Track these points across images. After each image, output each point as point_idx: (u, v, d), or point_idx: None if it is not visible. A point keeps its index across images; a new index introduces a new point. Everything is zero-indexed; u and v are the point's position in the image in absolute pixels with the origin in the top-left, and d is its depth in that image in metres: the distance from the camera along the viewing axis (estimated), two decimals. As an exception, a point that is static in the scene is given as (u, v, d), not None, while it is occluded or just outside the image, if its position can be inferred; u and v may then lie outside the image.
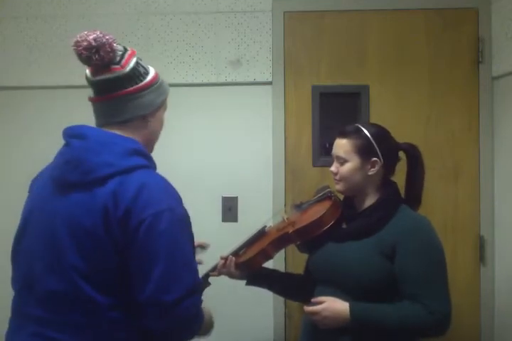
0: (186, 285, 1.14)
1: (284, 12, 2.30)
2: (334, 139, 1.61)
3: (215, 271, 1.73)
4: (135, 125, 1.28)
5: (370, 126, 1.59)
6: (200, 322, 1.23)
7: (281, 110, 2.29)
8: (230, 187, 2.31)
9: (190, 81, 2.33)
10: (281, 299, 2.24)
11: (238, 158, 2.31)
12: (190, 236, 1.23)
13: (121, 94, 1.24)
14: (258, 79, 2.31)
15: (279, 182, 2.28)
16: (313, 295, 1.65)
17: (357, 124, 1.60)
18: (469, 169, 2.24)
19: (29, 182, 1.38)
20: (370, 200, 1.58)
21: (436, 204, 2.19)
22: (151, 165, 1.27)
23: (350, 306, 1.44)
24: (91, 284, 1.14)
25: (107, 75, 1.23)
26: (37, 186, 1.31)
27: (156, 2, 2.35)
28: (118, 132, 1.25)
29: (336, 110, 2.31)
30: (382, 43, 2.28)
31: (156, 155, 2.33)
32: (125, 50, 1.28)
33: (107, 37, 1.23)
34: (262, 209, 2.23)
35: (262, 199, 2.28)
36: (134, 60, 1.27)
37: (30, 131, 2.38)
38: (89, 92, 1.31)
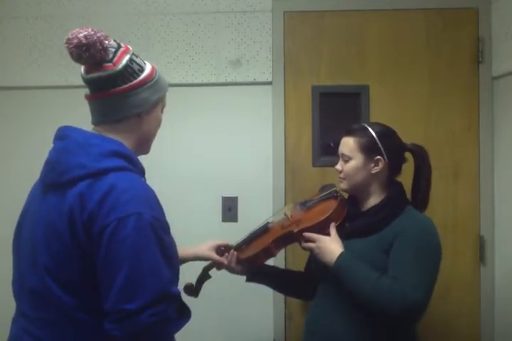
0: (150, 294, 1.09)
1: (284, 12, 2.30)
2: (339, 138, 1.63)
3: (216, 264, 1.72)
4: (130, 123, 1.26)
5: (376, 125, 1.61)
6: (168, 335, 1.19)
7: (281, 110, 2.29)
8: (230, 187, 2.30)
9: (190, 81, 2.33)
10: (281, 299, 2.24)
11: (238, 158, 2.31)
12: (162, 242, 1.15)
13: (114, 92, 1.22)
14: (258, 79, 2.31)
15: (279, 182, 2.28)
16: (313, 293, 1.66)
17: (364, 123, 1.62)
18: (469, 169, 2.24)
19: (28, 183, 1.39)
20: (374, 200, 1.59)
21: (436, 204, 2.18)
22: (131, 167, 1.22)
23: (340, 254, 1.48)
24: (58, 284, 1.15)
25: (99, 73, 1.22)
26: (32, 188, 1.34)
27: (156, 2, 2.35)
28: (111, 131, 1.24)
29: (336, 110, 2.31)
30: (382, 43, 2.28)
31: (156, 155, 2.33)
32: (119, 47, 1.25)
33: (98, 34, 1.20)
34: (262, 209, 2.22)
35: (262, 199, 2.28)
36: (126, 58, 1.24)
37: (30, 131, 2.38)
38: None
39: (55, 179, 1.19)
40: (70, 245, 1.14)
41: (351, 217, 1.62)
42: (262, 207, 2.25)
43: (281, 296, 2.20)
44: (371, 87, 2.27)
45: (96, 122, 1.27)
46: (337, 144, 1.65)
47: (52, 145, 1.27)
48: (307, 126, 2.29)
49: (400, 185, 1.61)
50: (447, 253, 2.17)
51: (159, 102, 1.31)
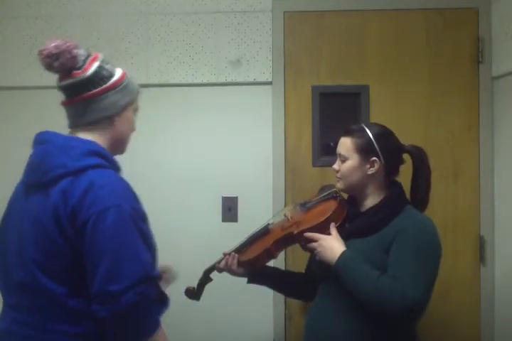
0: (132, 277, 1.19)
1: (284, 12, 2.30)
2: (339, 138, 1.63)
3: (217, 267, 1.73)
4: (102, 126, 1.36)
5: (373, 126, 1.61)
6: (151, 316, 1.26)
7: (281, 110, 2.29)
8: (230, 187, 2.30)
9: (190, 81, 2.33)
10: (281, 300, 2.24)
11: (238, 158, 2.31)
12: (141, 231, 1.26)
13: (86, 97, 1.32)
14: (258, 79, 2.31)
15: (279, 182, 2.28)
16: (313, 293, 1.66)
17: (362, 124, 1.63)
18: (469, 169, 2.24)
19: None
20: (373, 200, 1.59)
21: (436, 204, 2.18)
22: (108, 165, 1.32)
23: (341, 253, 1.48)
24: (47, 275, 1.24)
25: (70, 80, 1.32)
26: (15, 189, 1.42)
27: (156, 2, 2.35)
28: (86, 133, 1.35)
29: (336, 110, 2.31)
30: (382, 43, 2.28)
31: (156, 155, 2.35)
32: (88, 55, 1.35)
33: (68, 44, 1.31)
34: (262, 209, 2.22)
35: (262, 199, 2.28)
36: (95, 65, 1.34)
37: (30, 131, 2.37)
38: None
39: (38, 179, 1.29)
40: (58, 239, 1.23)
41: (351, 217, 1.62)
42: (262, 207, 2.25)
43: (281, 297, 2.20)
44: (371, 87, 2.27)
45: (72, 125, 1.38)
46: (337, 144, 1.65)
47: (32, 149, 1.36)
48: (307, 126, 2.29)
49: (399, 185, 1.62)
50: (447, 253, 2.17)
51: (129, 105, 1.41)
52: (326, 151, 2.27)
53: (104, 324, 1.21)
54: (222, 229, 2.29)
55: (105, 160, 1.32)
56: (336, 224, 1.58)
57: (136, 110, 1.45)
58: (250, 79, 2.32)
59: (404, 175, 1.65)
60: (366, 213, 1.59)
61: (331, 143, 2.22)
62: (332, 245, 1.52)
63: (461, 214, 2.24)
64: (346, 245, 1.53)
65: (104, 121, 1.36)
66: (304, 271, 1.83)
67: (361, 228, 1.56)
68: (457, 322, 2.23)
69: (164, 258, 2.30)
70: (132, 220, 1.24)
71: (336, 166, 1.62)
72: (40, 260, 1.25)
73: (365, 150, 1.56)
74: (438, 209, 2.19)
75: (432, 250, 1.49)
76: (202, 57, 2.33)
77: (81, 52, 1.33)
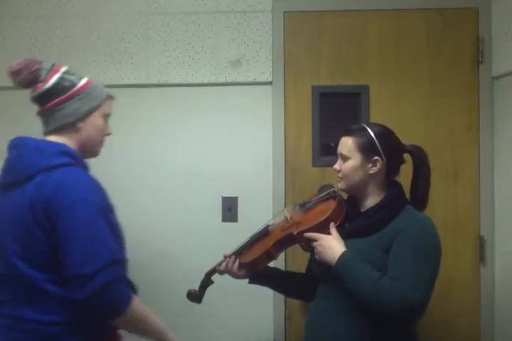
0: (102, 260, 1.31)
1: (284, 12, 2.30)
2: (339, 138, 1.63)
3: (218, 269, 1.73)
4: (67, 131, 1.49)
5: (375, 126, 1.61)
6: (123, 293, 1.36)
7: (281, 110, 2.29)
8: (230, 187, 2.30)
9: (190, 81, 2.33)
10: (281, 300, 2.24)
11: (238, 158, 2.31)
12: (107, 219, 1.39)
13: (50, 106, 1.47)
14: (258, 79, 2.31)
15: (279, 182, 2.28)
16: (314, 294, 1.66)
17: (363, 124, 1.63)
18: (469, 169, 2.24)
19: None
20: (373, 200, 1.59)
21: (436, 204, 2.18)
22: (76, 163, 1.45)
23: (341, 253, 1.48)
24: (27, 263, 1.36)
25: (35, 93, 1.49)
26: None
27: (156, 2, 2.35)
28: (55, 137, 1.48)
29: (336, 110, 2.31)
30: (382, 43, 2.28)
31: (156, 155, 2.35)
32: (51, 68, 1.49)
33: (27, 62, 1.47)
34: (262, 209, 2.23)
35: (262, 199, 2.28)
36: (55, 77, 1.48)
37: (31, 131, 2.37)
38: None
39: (15, 178, 1.42)
40: (35, 231, 1.35)
41: (351, 217, 1.62)
42: (262, 207, 2.25)
43: (281, 296, 2.20)
44: (371, 87, 2.27)
45: (44, 132, 1.53)
46: (337, 144, 1.65)
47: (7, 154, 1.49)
48: (307, 126, 2.29)
49: (399, 185, 1.62)
50: (447, 253, 2.16)
51: (94, 111, 1.51)
52: (326, 151, 2.27)
53: (82, 306, 1.32)
54: (222, 229, 2.29)
55: (74, 159, 1.45)
56: (335, 224, 1.58)
57: (106, 115, 1.55)
58: (250, 79, 2.32)
59: (404, 175, 1.65)
60: (366, 213, 1.59)
61: (332, 144, 2.22)
62: (332, 245, 1.52)
63: (461, 214, 2.24)
64: (346, 245, 1.53)
65: (68, 127, 1.48)
66: (304, 271, 1.83)
67: (361, 228, 1.56)
68: (457, 322, 2.23)
69: (164, 258, 2.31)
70: (100, 211, 1.37)
71: (337, 166, 1.62)
72: (20, 251, 1.37)
73: (367, 150, 1.56)
74: (438, 209, 2.19)
75: (432, 250, 1.50)
76: (202, 57, 2.33)
77: (43, 67, 1.48)
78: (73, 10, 2.37)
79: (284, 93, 2.29)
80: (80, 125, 1.49)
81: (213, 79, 2.33)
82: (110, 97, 1.58)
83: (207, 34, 2.33)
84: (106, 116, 1.56)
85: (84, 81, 1.51)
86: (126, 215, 2.29)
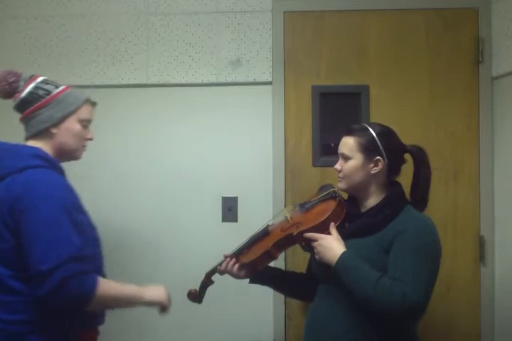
0: (59, 257, 1.35)
1: (284, 12, 2.30)
2: (340, 139, 1.63)
3: (219, 269, 1.73)
4: (43, 137, 1.56)
5: (376, 126, 1.61)
6: (85, 285, 1.39)
7: (281, 110, 2.29)
8: (230, 187, 2.30)
9: (190, 81, 2.33)
10: (281, 300, 2.24)
11: (238, 158, 2.31)
12: (73, 219, 1.43)
13: (26, 114, 1.57)
14: (258, 79, 2.31)
15: (279, 182, 2.28)
16: (314, 294, 1.66)
17: (364, 124, 1.63)
18: (469, 169, 2.24)
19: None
20: (373, 200, 1.59)
21: (436, 204, 2.18)
22: (49, 166, 1.50)
23: (341, 254, 1.48)
24: None
25: (15, 102, 1.59)
26: None
27: (156, 2, 2.35)
28: (33, 143, 1.56)
29: (335, 110, 2.31)
30: (383, 43, 2.28)
31: (156, 155, 2.35)
32: (29, 78, 1.58)
33: (5, 73, 1.57)
34: (262, 209, 2.23)
35: (262, 199, 2.28)
36: (30, 86, 1.56)
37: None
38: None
39: None
40: (1, 230, 1.41)
41: (351, 217, 1.61)
42: (262, 207, 2.25)
43: (281, 296, 2.20)
44: (371, 87, 2.27)
45: (24, 138, 1.61)
46: (337, 144, 1.64)
47: None
48: (307, 126, 2.29)
49: (399, 186, 1.62)
50: (447, 253, 2.17)
51: (67, 117, 1.57)
52: (326, 151, 2.27)
53: (45, 302, 1.37)
54: (222, 229, 2.29)
55: (46, 162, 1.50)
56: (335, 224, 1.58)
57: (84, 120, 1.60)
58: (250, 79, 2.32)
59: (404, 175, 1.65)
60: (366, 213, 1.59)
61: (332, 144, 2.22)
62: (332, 245, 1.51)
63: (461, 214, 2.24)
64: (346, 245, 1.53)
65: (43, 134, 1.56)
66: (304, 271, 1.83)
67: (361, 228, 1.56)
68: (457, 322, 2.23)
69: (164, 258, 2.31)
70: (64, 209, 1.41)
71: (338, 166, 1.62)
72: None
73: (368, 150, 1.56)
74: (438, 210, 2.19)
75: (432, 250, 1.50)
76: (202, 57, 2.33)
77: (22, 78, 1.58)
78: (73, 10, 2.37)
79: (284, 93, 2.29)
80: (55, 131, 1.56)
81: (213, 79, 2.33)
82: (88, 103, 1.63)
83: (207, 34, 2.33)
84: (84, 122, 1.61)
85: (59, 89, 1.59)
86: (126, 215, 2.31)
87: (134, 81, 2.35)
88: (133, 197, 2.32)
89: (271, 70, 2.30)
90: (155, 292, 1.57)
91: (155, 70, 2.34)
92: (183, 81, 2.34)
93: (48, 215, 1.39)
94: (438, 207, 2.19)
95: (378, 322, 1.47)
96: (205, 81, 2.33)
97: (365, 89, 2.27)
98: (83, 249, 1.42)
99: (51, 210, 1.40)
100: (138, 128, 2.35)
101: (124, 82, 2.35)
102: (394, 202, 1.57)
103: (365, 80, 2.28)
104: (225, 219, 2.31)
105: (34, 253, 1.37)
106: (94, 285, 1.39)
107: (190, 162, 2.33)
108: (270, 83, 2.31)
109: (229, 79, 2.32)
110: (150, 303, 1.56)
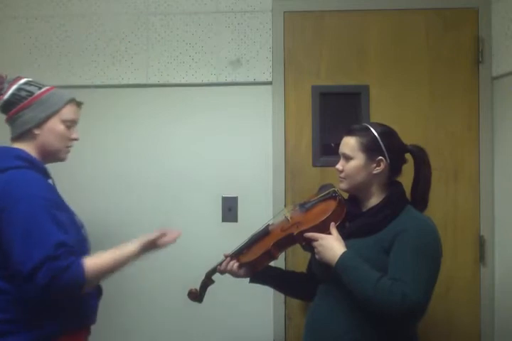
0: (39, 257, 1.35)
1: (284, 12, 2.30)
2: (340, 138, 1.63)
3: (219, 269, 1.73)
4: (26, 138, 1.57)
5: (377, 126, 1.61)
6: (72, 280, 1.39)
7: (281, 110, 2.29)
8: (230, 187, 2.30)
9: (190, 81, 2.33)
10: (281, 299, 2.24)
11: (238, 158, 2.31)
12: (53, 217, 1.43)
13: (10, 115, 1.58)
14: (258, 79, 2.31)
15: (279, 182, 2.28)
16: (314, 293, 1.66)
17: (365, 123, 1.62)
18: (469, 169, 2.24)
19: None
20: (374, 200, 1.59)
21: (436, 204, 2.18)
22: (31, 167, 1.52)
23: (342, 254, 1.48)
24: None
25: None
26: None
27: (156, 2, 2.35)
28: (18, 144, 1.58)
29: (336, 110, 2.31)
30: (383, 43, 2.28)
31: (156, 155, 2.34)
32: (13, 80, 1.60)
33: None
34: (262, 209, 2.22)
35: (262, 199, 2.28)
36: (13, 88, 1.57)
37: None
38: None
39: None
40: None
41: (351, 217, 1.61)
42: (262, 207, 2.25)
43: (281, 296, 2.20)
44: (371, 87, 2.27)
45: (10, 138, 1.62)
46: (338, 144, 1.64)
47: None
48: (307, 126, 2.29)
49: (399, 185, 1.62)
50: (447, 253, 2.16)
51: (50, 118, 1.57)
52: (326, 151, 2.27)
53: (37, 299, 1.39)
54: (222, 229, 2.29)
55: (28, 163, 1.52)
56: (335, 223, 1.58)
57: (67, 121, 1.60)
58: (250, 79, 2.32)
59: (404, 175, 1.65)
60: (366, 213, 1.59)
61: (332, 144, 2.22)
62: (332, 245, 1.51)
63: (461, 214, 2.24)
64: (346, 245, 1.52)
65: (27, 134, 1.57)
66: (304, 271, 1.83)
67: (362, 228, 1.56)
68: (457, 322, 2.23)
69: (164, 258, 2.31)
70: (44, 208, 1.42)
71: (339, 166, 1.61)
72: None
73: (370, 150, 1.55)
74: (438, 210, 2.18)
75: (433, 250, 1.50)
76: (202, 57, 2.33)
77: (6, 80, 1.59)
78: (73, 10, 2.37)
79: (284, 93, 2.29)
80: (38, 131, 1.56)
81: (213, 79, 2.33)
82: (72, 103, 1.62)
83: (207, 34, 2.33)
84: (67, 122, 1.60)
85: (42, 90, 1.59)
86: (126, 215, 2.31)
87: (134, 81, 2.35)
88: (133, 196, 2.32)
89: (271, 70, 2.30)
90: (136, 241, 1.57)
91: (155, 70, 2.34)
92: (183, 81, 2.34)
93: (26, 214, 1.40)
94: (438, 207, 2.19)
95: (378, 322, 1.47)
96: (205, 81, 2.33)
97: (365, 89, 2.27)
98: (65, 241, 1.41)
99: (29, 209, 1.40)
100: (138, 128, 2.35)
101: (124, 82, 2.35)
102: (394, 202, 1.57)
103: (365, 80, 2.28)
104: (225, 219, 2.31)
105: (14, 253, 1.38)
106: (81, 273, 1.39)
107: (190, 162, 2.33)
108: (270, 83, 2.31)
109: (229, 79, 2.32)
110: (141, 251, 1.57)
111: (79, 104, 1.65)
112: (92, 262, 1.44)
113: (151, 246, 1.60)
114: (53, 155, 1.61)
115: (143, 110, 2.35)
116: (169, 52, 2.34)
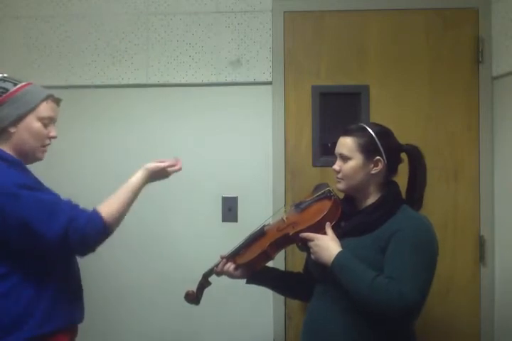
0: (62, 223, 1.39)
1: (284, 12, 2.30)
2: (336, 138, 1.62)
3: (215, 271, 1.73)
4: (3, 136, 1.52)
5: (374, 125, 1.61)
6: (95, 230, 1.44)
7: (281, 110, 2.30)
8: (230, 187, 2.30)
9: (190, 81, 2.33)
10: (281, 299, 2.24)
11: (238, 158, 2.31)
12: (47, 190, 1.50)
13: None
14: (258, 79, 2.31)
15: (279, 182, 2.28)
16: (311, 294, 1.66)
17: (361, 123, 1.62)
18: (469, 169, 2.24)
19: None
20: (372, 200, 1.59)
21: (436, 204, 2.19)
22: (8, 165, 1.48)
23: (337, 253, 1.48)
24: None
25: None
26: None
27: (156, 2, 2.35)
28: None
29: (336, 110, 2.31)
30: (382, 43, 2.28)
31: (155, 155, 2.34)
32: None
33: None
34: (262, 209, 2.22)
35: (262, 199, 2.28)
36: None
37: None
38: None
39: None
40: None
41: (347, 216, 1.61)
42: (262, 207, 2.25)
43: (281, 296, 2.20)
44: (371, 87, 2.27)
45: None
46: (334, 143, 1.64)
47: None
48: (307, 126, 2.29)
49: (395, 185, 1.61)
50: (447, 253, 2.17)
51: (26, 116, 1.51)
52: (326, 151, 2.27)
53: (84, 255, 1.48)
54: (222, 229, 2.29)
55: (3, 161, 1.47)
56: (331, 223, 1.58)
57: (44, 118, 1.54)
58: (250, 79, 2.32)
59: (399, 175, 1.64)
60: (362, 212, 1.58)
61: (328, 144, 2.21)
62: (328, 245, 1.51)
63: (461, 214, 2.24)
64: (342, 244, 1.52)
65: (3, 133, 1.51)
66: (302, 271, 1.82)
67: (357, 227, 1.56)
68: (457, 322, 2.23)
69: (164, 258, 2.31)
70: (32, 187, 1.44)
71: (336, 167, 1.61)
72: None
73: (368, 150, 1.55)
74: (438, 209, 2.19)
75: (429, 249, 1.49)
76: (202, 57, 2.33)
77: None
78: (73, 10, 2.37)
79: (284, 93, 2.29)
80: (13, 130, 1.51)
81: (213, 79, 2.33)
82: (50, 100, 1.56)
83: (207, 34, 2.33)
84: (45, 120, 1.55)
85: (17, 86, 1.52)
86: (126, 215, 2.31)
87: (134, 81, 2.35)
88: (133, 197, 2.32)
89: (271, 70, 2.30)
90: (139, 170, 1.65)
91: (155, 70, 2.34)
92: (183, 81, 2.34)
93: (29, 198, 1.40)
94: (438, 207, 2.19)
95: (375, 322, 1.47)
96: (205, 81, 2.33)
97: (365, 89, 2.27)
98: (71, 201, 1.47)
99: (28, 193, 1.41)
100: (138, 128, 2.35)
101: (124, 82, 2.35)
102: (390, 201, 1.56)
103: (365, 80, 2.28)
104: (225, 219, 2.31)
105: (39, 228, 1.38)
106: (101, 221, 1.44)
107: (190, 162, 2.33)
108: (270, 83, 2.31)
109: (229, 79, 2.32)
110: (147, 178, 1.65)
111: (57, 101, 1.59)
112: (106, 207, 1.49)
113: (160, 173, 1.67)
114: (30, 154, 1.56)
115: (143, 110, 2.35)
116: (169, 52, 2.34)
